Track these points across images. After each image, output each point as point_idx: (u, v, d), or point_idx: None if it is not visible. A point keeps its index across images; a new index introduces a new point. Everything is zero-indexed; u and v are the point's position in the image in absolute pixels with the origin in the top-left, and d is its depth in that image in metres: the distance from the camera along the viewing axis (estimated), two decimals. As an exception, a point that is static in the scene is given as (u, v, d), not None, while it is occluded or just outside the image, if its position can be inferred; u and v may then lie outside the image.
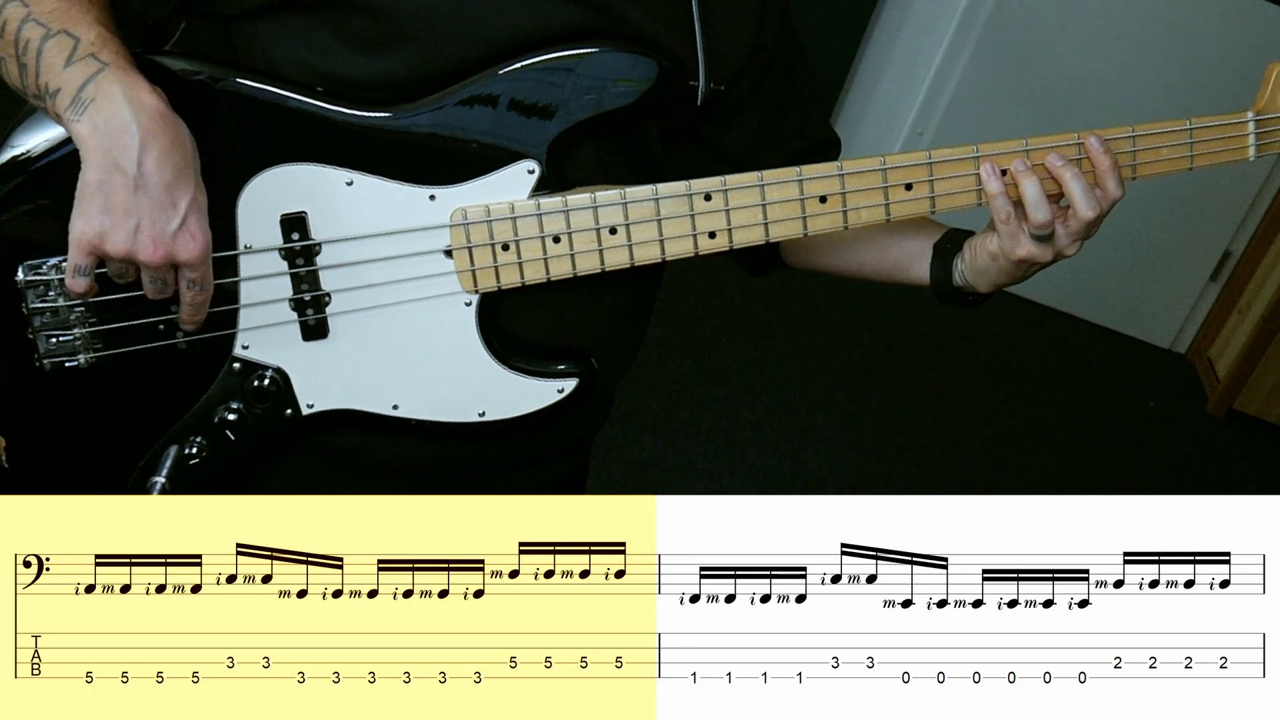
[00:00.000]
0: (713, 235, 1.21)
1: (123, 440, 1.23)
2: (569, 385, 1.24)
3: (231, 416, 1.22)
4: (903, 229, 1.33)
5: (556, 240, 1.20)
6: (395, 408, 1.23)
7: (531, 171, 1.18)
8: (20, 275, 1.16)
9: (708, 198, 1.20)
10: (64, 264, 1.13)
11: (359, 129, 1.16)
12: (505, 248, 1.19)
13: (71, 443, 1.24)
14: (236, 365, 1.21)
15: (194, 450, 1.22)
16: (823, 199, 1.21)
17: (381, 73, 1.16)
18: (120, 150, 1.05)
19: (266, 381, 1.21)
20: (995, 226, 1.22)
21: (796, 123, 1.38)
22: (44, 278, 1.16)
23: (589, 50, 1.16)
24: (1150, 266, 4.17)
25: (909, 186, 1.22)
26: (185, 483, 1.21)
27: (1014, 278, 1.26)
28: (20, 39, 1.09)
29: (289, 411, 1.22)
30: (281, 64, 1.18)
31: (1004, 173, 1.20)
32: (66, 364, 1.18)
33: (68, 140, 1.10)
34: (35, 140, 1.15)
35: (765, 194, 1.20)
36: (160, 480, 1.19)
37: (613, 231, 1.20)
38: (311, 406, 1.22)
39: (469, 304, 1.21)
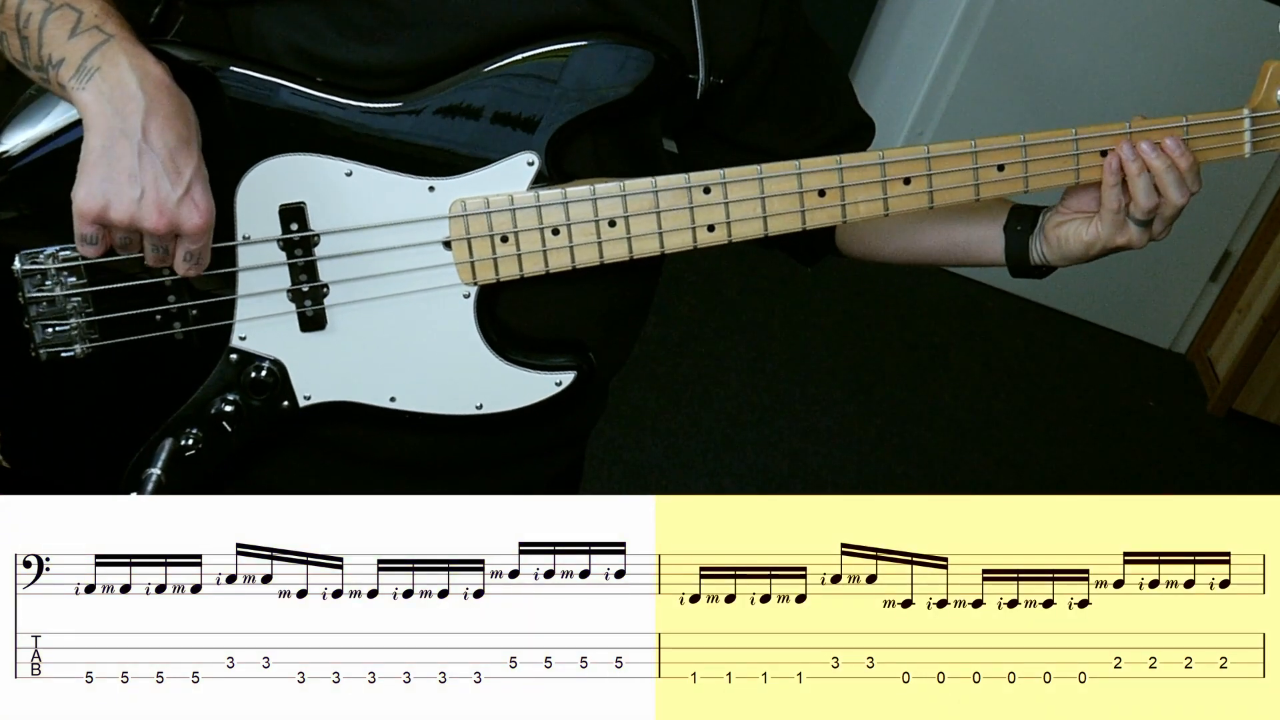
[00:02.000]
0: (711, 228, 1.21)
1: (119, 432, 1.23)
2: (567, 378, 1.24)
3: (228, 408, 1.21)
4: (968, 213, 1.33)
5: (555, 232, 1.19)
6: (393, 400, 1.23)
7: (531, 164, 1.18)
8: (17, 264, 1.16)
9: (707, 190, 1.20)
10: (61, 253, 1.13)
11: (359, 120, 1.16)
12: (504, 239, 1.19)
13: (67, 434, 1.24)
14: (234, 356, 1.20)
15: (190, 442, 1.22)
16: (821, 193, 1.21)
17: (378, 59, 1.16)
18: (126, 116, 1.05)
19: (264, 373, 1.21)
20: (1101, 216, 1.23)
21: (826, 111, 1.38)
22: (41, 267, 1.16)
23: (587, 42, 1.15)
24: (1150, 266, 4.17)
25: (907, 180, 1.22)
26: (181, 475, 1.21)
27: (1094, 258, 1.27)
28: (22, 13, 1.10)
29: (286, 403, 1.22)
30: (278, 51, 1.18)
31: (1104, 153, 1.21)
32: (63, 354, 1.18)
33: (67, 129, 1.10)
34: (34, 129, 1.15)
35: (764, 187, 1.20)
36: (155, 472, 1.19)
37: (611, 224, 1.20)
38: (309, 398, 1.22)
39: (467, 296, 1.21)
